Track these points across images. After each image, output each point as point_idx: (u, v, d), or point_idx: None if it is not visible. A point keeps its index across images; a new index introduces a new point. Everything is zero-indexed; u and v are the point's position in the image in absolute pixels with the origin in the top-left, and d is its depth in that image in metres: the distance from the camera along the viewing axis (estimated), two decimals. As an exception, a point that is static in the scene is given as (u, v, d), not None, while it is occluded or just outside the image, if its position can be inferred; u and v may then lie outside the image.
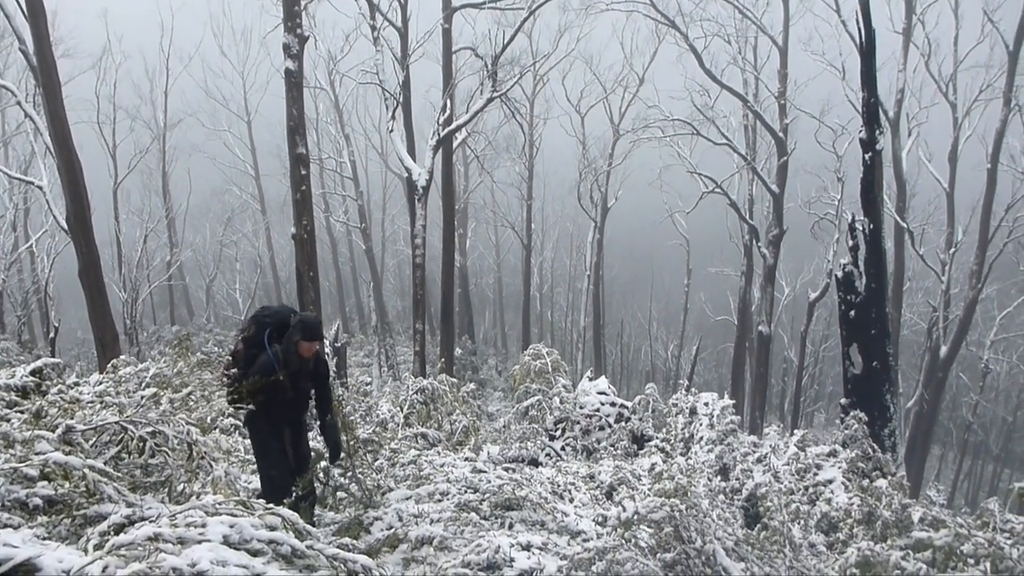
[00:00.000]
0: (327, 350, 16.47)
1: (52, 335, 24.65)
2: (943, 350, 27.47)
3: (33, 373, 6.15)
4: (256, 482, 7.46)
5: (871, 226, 16.08)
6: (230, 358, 6.37)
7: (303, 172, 16.21)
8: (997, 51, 27.67)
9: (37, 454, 4.21)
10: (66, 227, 16.30)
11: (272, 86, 41.92)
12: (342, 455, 6.66)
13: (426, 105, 33.55)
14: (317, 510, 6.69)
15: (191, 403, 8.45)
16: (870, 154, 16.22)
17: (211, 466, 5.48)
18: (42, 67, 14.76)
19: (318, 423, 6.60)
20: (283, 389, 5.97)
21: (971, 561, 4.77)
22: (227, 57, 45.99)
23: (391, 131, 21.24)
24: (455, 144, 23.89)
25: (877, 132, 16.31)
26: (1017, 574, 4.31)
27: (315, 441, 7.23)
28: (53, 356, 17.80)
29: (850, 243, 16.42)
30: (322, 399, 6.51)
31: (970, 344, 32.52)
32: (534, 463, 11.68)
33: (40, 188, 21.27)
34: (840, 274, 16.48)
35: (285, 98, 16.07)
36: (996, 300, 33.32)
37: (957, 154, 28.87)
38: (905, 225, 28.51)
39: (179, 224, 43.21)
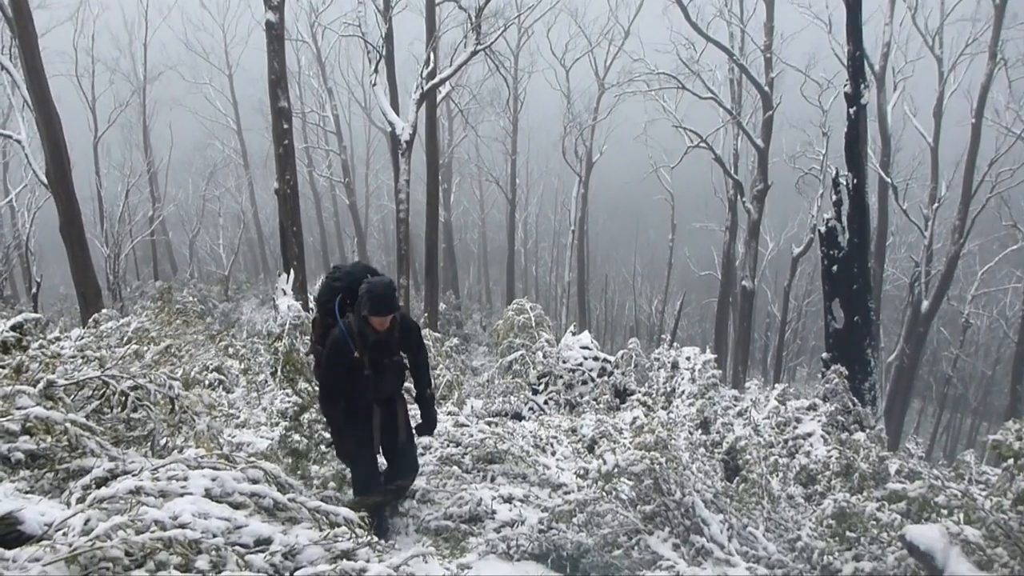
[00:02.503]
0: (311, 305, 16.43)
1: (34, 290, 24.55)
2: (925, 305, 27.69)
3: (14, 328, 6.11)
4: (240, 436, 7.47)
5: (855, 181, 16.10)
6: (311, 328, 5.68)
7: (285, 126, 16.08)
8: (984, 4, 27.51)
9: (18, 409, 4.20)
10: (46, 182, 16.14)
11: (253, 39, 41.51)
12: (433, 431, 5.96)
13: (409, 58, 33.21)
14: (300, 463, 6.67)
15: (174, 358, 8.46)
16: (855, 108, 16.18)
17: (194, 420, 5.49)
18: (17, 18, 14.50)
19: (415, 396, 5.78)
20: (361, 367, 5.11)
21: (944, 512, 4.85)
22: (207, 9, 45.58)
23: (374, 85, 21.03)
24: (439, 98, 23.67)
25: (862, 86, 16.26)
26: (989, 524, 4.38)
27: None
28: (35, 311, 17.75)
29: (834, 198, 16.45)
30: (417, 369, 5.58)
31: (951, 299, 32.77)
32: (517, 417, 11.76)
33: (19, 142, 21.03)
34: (823, 229, 16.53)
35: (266, 51, 15.88)
36: (978, 255, 33.54)
37: (942, 109, 28.85)
38: (889, 180, 28.58)
39: (161, 179, 42.78)
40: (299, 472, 6.41)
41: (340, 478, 6.22)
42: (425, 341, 6.03)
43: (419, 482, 6.15)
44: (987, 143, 27.68)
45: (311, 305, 16.51)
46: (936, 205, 28.45)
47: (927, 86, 29.82)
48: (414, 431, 5.73)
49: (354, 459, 5.38)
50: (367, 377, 5.12)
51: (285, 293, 14.94)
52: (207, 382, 10.16)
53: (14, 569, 2.43)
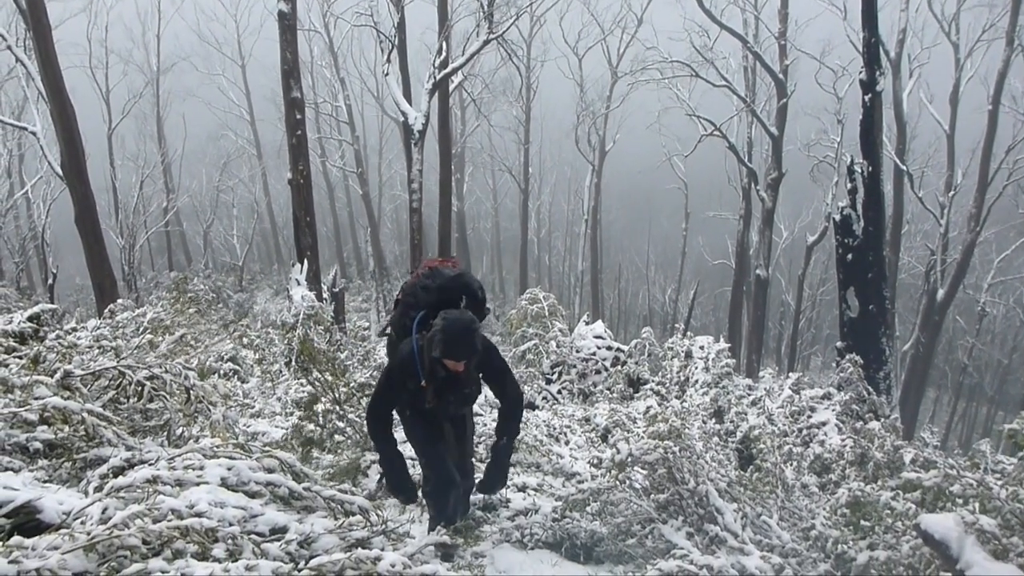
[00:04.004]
0: (325, 295, 16.48)
1: (50, 281, 24.72)
2: (940, 293, 27.51)
3: (31, 319, 6.15)
4: (255, 426, 7.51)
5: (870, 169, 16.02)
6: (393, 307, 4.84)
7: (298, 116, 16.12)
8: (1001, -11, 27.21)
9: (36, 399, 4.24)
10: (61, 173, 16.23)
11: (266, 29, 41.52)
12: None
13: (422, 48, 33.23)
14: (315, 452, 6.70)
15: (190, 348, 8.49)
16: (870, 95, 16.09)
17: (209, 410, 5.52)
18: (32, 10, 14.53)
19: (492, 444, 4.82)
20: (423, 398, 4.38)
21: (959, 501, 4.83)
22: (220, -1, 45.38)
23: (387, 74, 21.03)
24: (451, 87, 23.64)
25: (878, 73, 16.16)
26: (1004, 513, 4.37)
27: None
28: (51, 302, 17.85)
29: (849, 186, 16.37)
30: (503, 411, 4.72)
31: (967, 287, 32.55)
32: (531, 406, 11.78)
33: (34, 134, 21.12)
34: (838, 217, 16.46)
35: (279, 41, 15.92)
36: (994, 243, 33.26)
37: (958, 96, 28.60)
38: (904, 168, 28.34)
39: (175, 170, 42.97)
40: (314, 459, 6.44)
41: (355, 467, 6.24)
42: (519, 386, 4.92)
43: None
44: (1004, 130, 27.46)
45: (325, 295, 16.59)
46: (952, 193, 28.22)
47: (943, 73, 29.56)
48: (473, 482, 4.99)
49: (425, 453, 4.67)
50: (429, 407, 4.45)
51: (299, 283, 15.04)
52: (222, 372, 10.21)
53: (34, 557, 2.45)
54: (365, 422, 4.70)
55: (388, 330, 4.85)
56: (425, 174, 21.99)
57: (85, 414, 4.22)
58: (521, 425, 4.98)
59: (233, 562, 2.67)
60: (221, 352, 10.96)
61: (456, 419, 4.82)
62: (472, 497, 5.29)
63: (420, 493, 4.74)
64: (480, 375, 4.61)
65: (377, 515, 3.65)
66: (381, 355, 11.53)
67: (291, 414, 8.10)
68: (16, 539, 2.58)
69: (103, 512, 2.97)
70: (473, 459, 5.16)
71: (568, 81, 40.65)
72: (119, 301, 12.15)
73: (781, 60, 28.93)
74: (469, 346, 4.13)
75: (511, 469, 5.34)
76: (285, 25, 15.71)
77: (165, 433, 5.02)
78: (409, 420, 4.64)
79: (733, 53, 31.97)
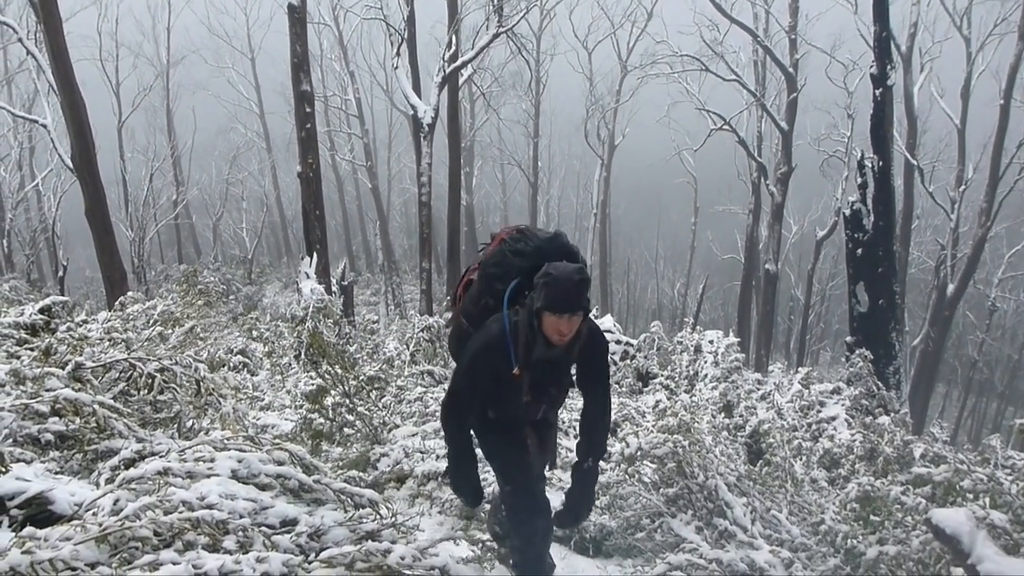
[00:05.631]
0: (334, 288, 16.48)
1: (61, 273, 24.79)
2: (950, 288, 27.41)
3: (42, 311, 6.18)
4: (265, 418, 7.51)
5: (880, 163, 15.96)
6: (452, 303, 4.07)
7: (308, 110, 16.13)
8: (1013, -16, 27.02)
9: (48, 390, 4.25)
10: (71, 166, 16.24)
11: (275, 22, 41.42)
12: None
13: (431, 41, 33.12)
14: (324, 445, 6.71)
15: (199, 340, 8.51)
16: (881, 90, 16.03)
17: (219, 402, 5.53)
18: (43, 3, 14.55)
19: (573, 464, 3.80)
20: (516, 389, 3.51)
21: (970, 496, 4.83)
22: (230, -8, 45.40)
23: (396, 68, 21.02)
24: (461, 81, 23.60)
25: (889, 67, 16.10)
26: (1015, 508, 4.36)
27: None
28: (62, 294, 17.91)
29: (859, 181, 16.32)
30: (589, 417, 3.71)
31: (978, 282, 32.39)
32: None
33: (44, 126, 21.16)
34: (848, 212, 16.41)
35: (289, 34, 15.92)
36: (1005, 238, 33.15)
37: (970, 90, 28.47)
38: (915, 162, 28.23)
39: (184, 162, 42.99)
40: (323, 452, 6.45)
41: (365, 459, 6.25)
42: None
43: (442, 464, 6.10)
44: (1016, 125, 27.25)
45: (334, 288, 16.58)
46: (963, 187, 28.11)
47: (955, 67, 29.45)
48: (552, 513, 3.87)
49: (509, 482, 3.82)
50: (520, 403, 3.59)
51: (308, 276, 15.06)
52: (232, 365, 10.24)
53: (46, 548, 2.46)
54: (440, 417, 3.79)
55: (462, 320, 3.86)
56: (434, 168, 22.00)
57: (96, 406, 4.24)
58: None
59: (244, 554, 2.67)
60: (231, 345, 10.99)
61: (541, 425, 3.89)
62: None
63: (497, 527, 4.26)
64: (573, 373, 3.72)
65: (387, 508, 3.65)
66: (390, 348, 11.53)
67: (300, 407, 8.13)
68: (29, 530, 2.59)
69: (115, 504, 2.98)
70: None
71: (577, 75, 40.66)
72: (129, 293, 12.20)
73: (791, 54, 28.81)
74: (579, 296, 3.24)
75: None
76: (295, 18, 15.71)
77: (176, 425, 5.04)
78: (486, 430, 3.82)
79: (743, 47, 31.83)
